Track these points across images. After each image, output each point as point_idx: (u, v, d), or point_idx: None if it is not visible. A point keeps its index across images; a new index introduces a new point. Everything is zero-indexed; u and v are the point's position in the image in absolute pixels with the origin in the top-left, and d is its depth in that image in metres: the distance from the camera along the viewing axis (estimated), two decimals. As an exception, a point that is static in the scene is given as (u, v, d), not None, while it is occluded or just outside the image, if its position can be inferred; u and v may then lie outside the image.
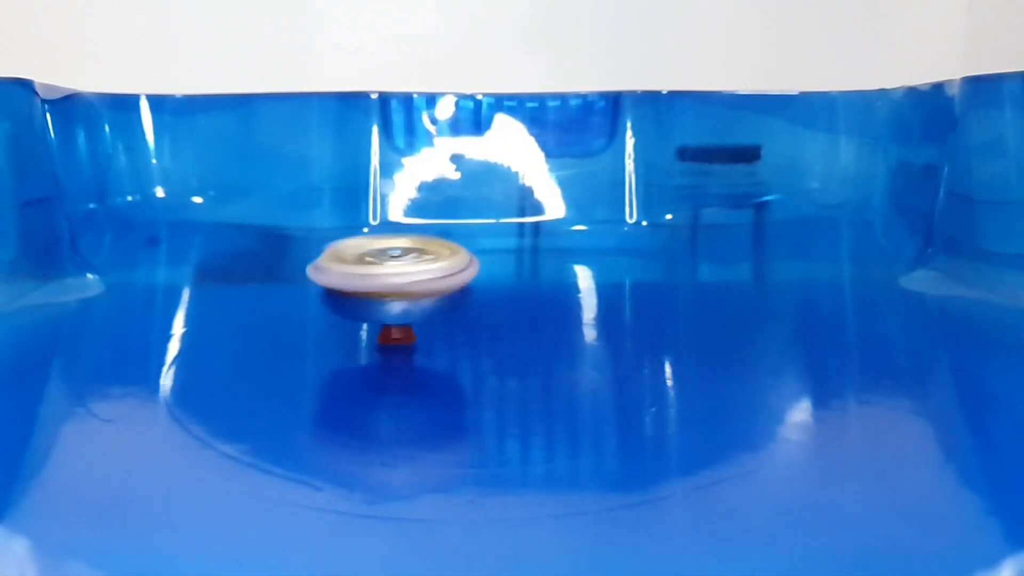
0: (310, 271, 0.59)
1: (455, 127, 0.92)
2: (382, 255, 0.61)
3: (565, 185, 0.91)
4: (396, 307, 0.59)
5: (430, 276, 0.58)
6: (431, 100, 0.91)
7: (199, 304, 0.81)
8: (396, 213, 0.90)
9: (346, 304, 0.60)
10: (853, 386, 0.59)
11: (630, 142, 0.91)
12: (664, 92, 0.92)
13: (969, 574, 0.36)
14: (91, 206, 0.87)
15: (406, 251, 0.62)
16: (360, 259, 0.60)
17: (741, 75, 0.96)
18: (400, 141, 0.91)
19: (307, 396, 0.59)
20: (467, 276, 0.60)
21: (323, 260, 0.60)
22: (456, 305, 0.60)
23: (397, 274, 0.58)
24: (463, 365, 0.67)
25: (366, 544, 0.38)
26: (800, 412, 0.56)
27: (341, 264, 0.59)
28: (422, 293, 0.58)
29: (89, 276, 0.83)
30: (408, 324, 0.63)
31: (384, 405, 0.58)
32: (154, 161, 0.90)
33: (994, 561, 0.36)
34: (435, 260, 0.60)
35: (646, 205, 0.90)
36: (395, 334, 0.63)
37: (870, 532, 0.38)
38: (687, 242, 0.90)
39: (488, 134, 0.92)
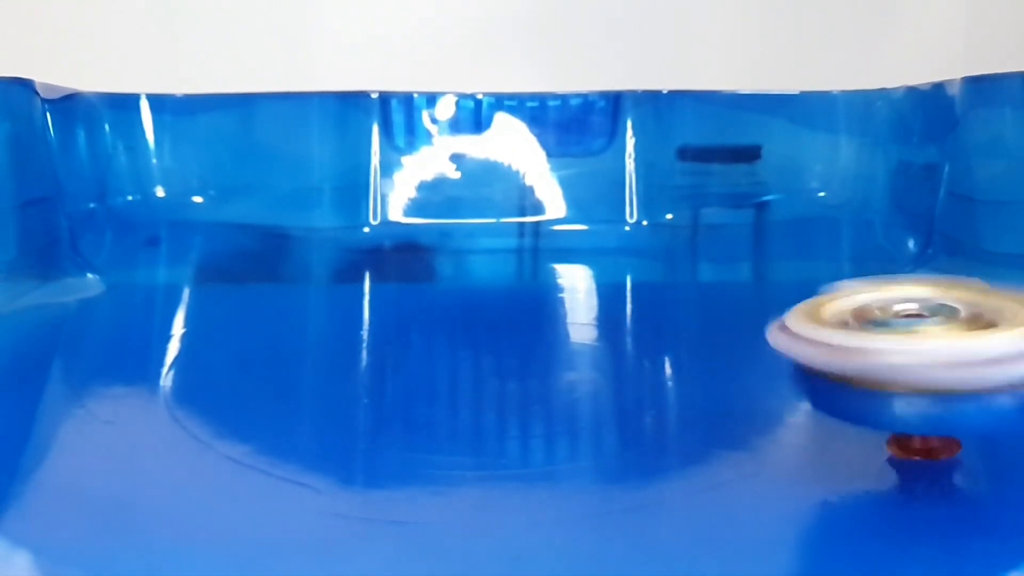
0: (774, 334, 0.41)
1: (455, 126, 0.92)
2: (885, 314, 0.40)
3: (565, 185, 0.91)
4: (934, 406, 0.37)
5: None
6: (431, 100, 0.91)
7: (199, 304, 0.81)
8: (396, 213, 0.90)
9: (845, 397, 0.38)
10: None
11: (630, 142, 0.91)
12: (664, 92, 0.92)
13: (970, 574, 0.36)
14: (91, 206, 0.87)
15: (934, 309, 0.40)
16: (852, 322, 0.41)
17: (741, 75, 0.96)
18: (400, 141, 0.91)
19: (308, 397, 0.58)
20: None
21: (794, 319, 0.41)
22: None
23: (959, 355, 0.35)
24: (464, 364, 0.67)
25: (366, 547, 0.38)
26: (801, 413, 0.56)
27: (828, 328, 0.39)
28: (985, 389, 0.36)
29: (89, 276, 0.83)
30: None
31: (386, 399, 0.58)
32: (154, 161, 0.90)
33: (997, 562, 0.36)
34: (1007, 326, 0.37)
35: (646, 205, 0.90)
36: (922, 443, 0.41)
37: (871, 534, 0.38)
38: (687, 242, 0.90)
39: (488, 134, 0.91)
